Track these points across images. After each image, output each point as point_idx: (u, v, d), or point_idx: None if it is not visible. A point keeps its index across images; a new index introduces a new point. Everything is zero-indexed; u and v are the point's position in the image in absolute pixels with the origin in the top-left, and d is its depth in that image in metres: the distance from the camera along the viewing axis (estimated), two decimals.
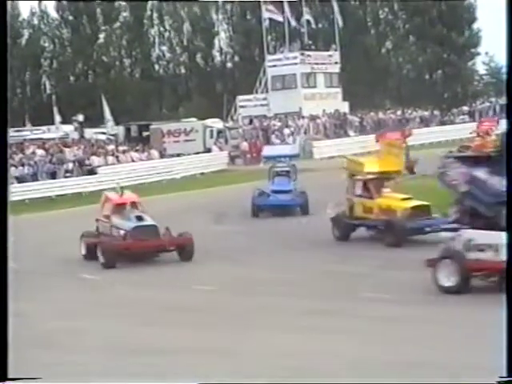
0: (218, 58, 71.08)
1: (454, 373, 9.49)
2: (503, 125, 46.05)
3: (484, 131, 40.34)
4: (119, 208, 20.81)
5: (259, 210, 26.93)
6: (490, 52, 71.46)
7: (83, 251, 20.68)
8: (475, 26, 67.80)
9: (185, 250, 19.94)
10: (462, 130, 49.33)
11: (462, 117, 58.01)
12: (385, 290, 15.01)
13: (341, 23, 59.80)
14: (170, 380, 9.51)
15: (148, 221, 20.31)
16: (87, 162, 39.77)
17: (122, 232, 20.01)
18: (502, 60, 73.19)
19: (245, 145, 48.15)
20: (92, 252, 20.21)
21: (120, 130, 50.50)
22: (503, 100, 60.51)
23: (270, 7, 58.70)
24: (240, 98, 58.88)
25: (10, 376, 7.58)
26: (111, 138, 47.80)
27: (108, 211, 20.94)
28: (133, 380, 9.52)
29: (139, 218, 20.28)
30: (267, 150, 32.24)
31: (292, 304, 14.18)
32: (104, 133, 49.23)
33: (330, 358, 10.46)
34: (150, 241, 19.73)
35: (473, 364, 9.73)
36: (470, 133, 42.20)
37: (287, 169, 28.30)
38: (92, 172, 39.00)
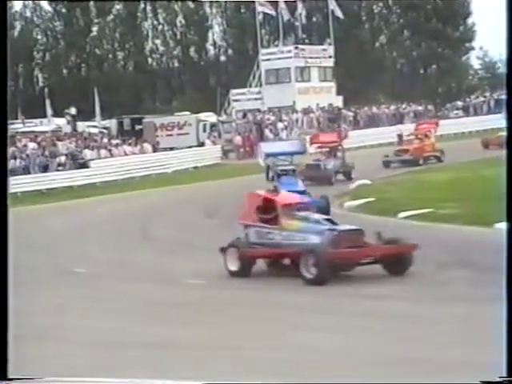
0: (211, 51, 70.96)
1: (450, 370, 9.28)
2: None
3: (423, 134, 38.72)
4: (286, 210, 16.33)
5: None
6: (484, 46, 71.54)
7: (234, 266, 16.05)
8: (470, 20, 67.85)
9: (400, 262, 15.22)
10: (456, 125, 49.25)
11: (456, 112, 57.92)
12: None
13: (341, 16, 59.58)
14: None
15: (342, 224, 16.24)
16: (80, 155, 39.60)
17: (315, 239, 15.39)
18: (496, 54, 73.21)
19: (238, 139, 47.96)
20: (248, 267, 16.02)
21: (113, 124, 50.31)
22: (497, 95, 60.48)
23: (264, 1, 58.48)
24: (234, 91, 58.70)
25: (10, 376, 7.41)
26: (104, 131, 47.60)
27: (261, 213, 16.51)
28: None
29: (331, 221, 16.16)
30: (268, 147, 27.75)
31: None
32: (97, 126, 49.05)
33: None
34: (369, 249, 15.38)
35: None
36: (408, 135, 40.41)
37: (292, 167, 25.30)
38: (84, 165, 38.84)
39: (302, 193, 23.48)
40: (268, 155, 25.41)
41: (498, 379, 7.20)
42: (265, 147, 26.91)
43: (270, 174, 25.60)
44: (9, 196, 6.95)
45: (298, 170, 27.11)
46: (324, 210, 22.61)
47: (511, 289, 7.27)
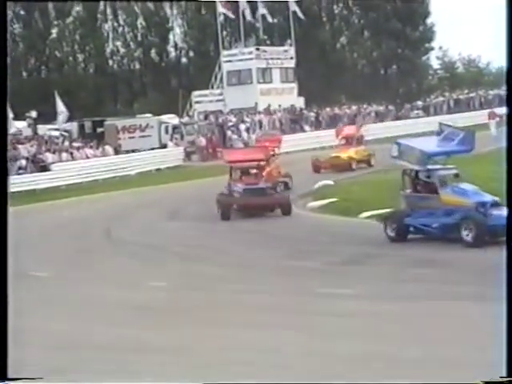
0: (172, 53, 70.68)
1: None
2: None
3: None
4: None
5: (490, 234, 17.46)
6: (443, 46, 72.26)
7: None
8: (429, 20, 68.44)
9: None
10: (416, 125, 49.63)
11: (416, 111, 58.41)
12: None
13: (302, 16, 59.84)
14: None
15: None
16: (41, 158, 39.30)
17: None
18: (455, 54, 74.03)
19: (201, 140, 47.90)
20: None
21: (74, 126, 49.95)
22: (457, 94, 61.14)
23: (225, 2, 58.46)
24: (195, 93, 58.63)
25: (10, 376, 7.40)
26: (65, 134, 47.28)
27: None
28: None
29: None
30: (425, 144, 20.07)
31: None
32: (58, 129, 48.67)
33: None
34: None
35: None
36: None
37: (455, 171, 19.58)
38: (45, 169, 38.57)
39: (496, 205, 18.11)
40: (430, 156, 19.27)
41: (498, 379, 7.25)
42: (421, 145, 19.74)
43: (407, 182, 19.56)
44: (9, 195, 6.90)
45: None
46: None
47: (511, 287, 7.32)
